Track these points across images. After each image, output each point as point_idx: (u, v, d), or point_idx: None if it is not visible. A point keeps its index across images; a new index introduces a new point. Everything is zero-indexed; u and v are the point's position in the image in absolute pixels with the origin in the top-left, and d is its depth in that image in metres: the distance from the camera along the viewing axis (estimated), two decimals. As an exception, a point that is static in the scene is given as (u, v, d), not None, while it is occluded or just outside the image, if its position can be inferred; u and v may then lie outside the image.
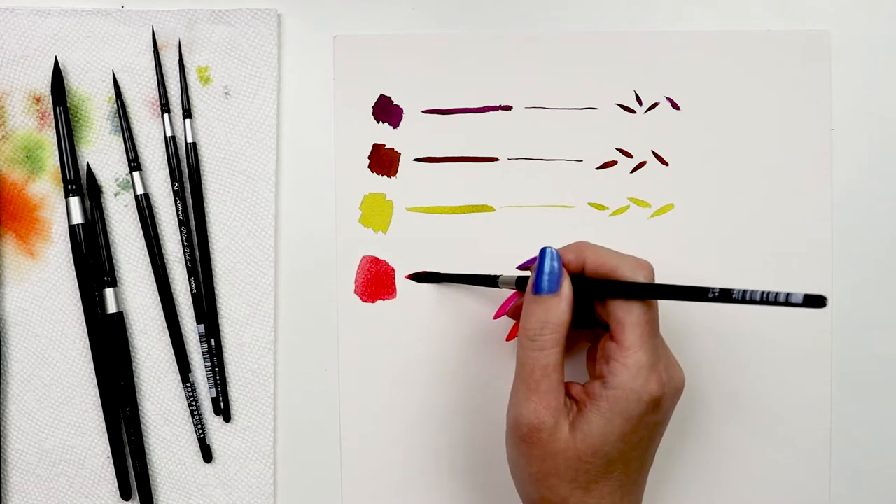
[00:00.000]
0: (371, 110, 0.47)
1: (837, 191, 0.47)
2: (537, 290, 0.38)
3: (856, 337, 0.47)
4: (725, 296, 0.34)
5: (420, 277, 0.46)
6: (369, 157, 0.47)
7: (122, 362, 0.45)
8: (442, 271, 0.46)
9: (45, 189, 0.45)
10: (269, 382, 0.46)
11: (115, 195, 0.46)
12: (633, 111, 0.47)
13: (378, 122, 0.47)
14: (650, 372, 0.37)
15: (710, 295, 0.35)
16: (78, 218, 0.44)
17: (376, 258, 0.46)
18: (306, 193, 0.47)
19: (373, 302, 0.46)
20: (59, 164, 0.45)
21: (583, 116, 0.47)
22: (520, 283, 0.42)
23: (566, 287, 0.38)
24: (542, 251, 0.39)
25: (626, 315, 0.37)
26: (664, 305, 0.40)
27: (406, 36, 0.47)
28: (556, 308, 0.38)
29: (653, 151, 0.47)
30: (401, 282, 0.46)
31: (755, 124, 0.47)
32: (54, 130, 0.45)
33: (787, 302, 0.32)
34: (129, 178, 0.46)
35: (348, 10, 0.47)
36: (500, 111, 0.47)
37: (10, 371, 0.45)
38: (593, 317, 0.40)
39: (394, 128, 0.47)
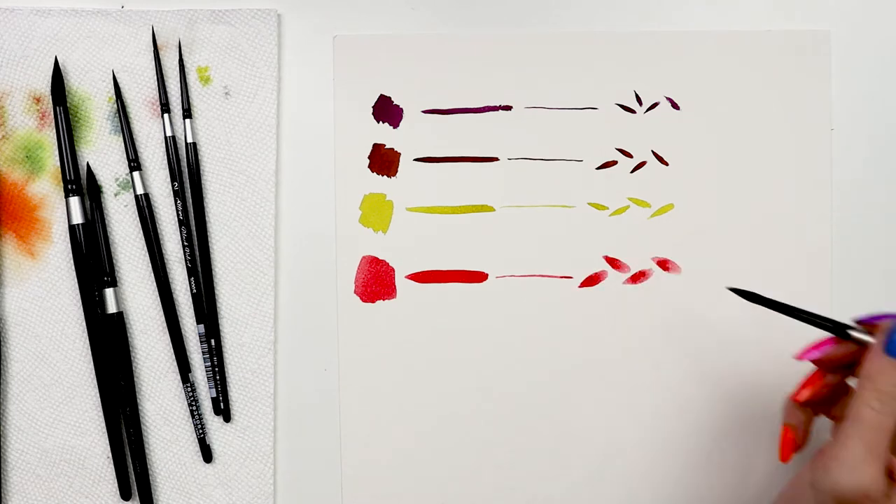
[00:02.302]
0: (371, 110, 0.47)
1: (837, 191, 0.47)
2: (891, 350, 0.36)
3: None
4: None
5: (745, 294, 0.41)
6: (369, 157, 0.47)
7: (122, 362, 0.45)
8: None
9: (45, 189, 0.45)
10: (269, 382, 0.46)
11: (115, 195, 0.46)
12: (633, 111, 0.47)
13: (378, 122, 0.47)
14: None
15: None
16: (78, 218, 0.44)
17: (376, 258, 0.46)
18: (306, 193, 0.46)
19: (373, 302, 0.46)
20: (59, 164, 0.45)
21: (583, 116, 0.47)
22: (839, 330, 0.39)
23: None
24: None
25: None
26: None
27: (406, 36, 0.47)
28: None
29: (653, 151, 0.47)
30: (401, 282, 0.46)
31: (755, 124, 0.47)
32: (54, 130, 0.45)
33: None
34: (129, 178, 0.46)
35: (348, 10, 0.47)
36: (500, 111, 0.47)
37: (10, 371, 0.45)
38: None
39: (394, 128, 0.47)
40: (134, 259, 0.46)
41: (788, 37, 0.47)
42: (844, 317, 0.46)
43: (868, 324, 0.39)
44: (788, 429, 0.40)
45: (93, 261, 0.45)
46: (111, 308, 0.45)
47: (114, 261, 0.45)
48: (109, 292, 0.45)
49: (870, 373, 0.36)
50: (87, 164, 0.45)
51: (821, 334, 0.39)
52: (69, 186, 0.44)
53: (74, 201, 0.44)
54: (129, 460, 0.45)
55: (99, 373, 0.45)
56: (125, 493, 0.45)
